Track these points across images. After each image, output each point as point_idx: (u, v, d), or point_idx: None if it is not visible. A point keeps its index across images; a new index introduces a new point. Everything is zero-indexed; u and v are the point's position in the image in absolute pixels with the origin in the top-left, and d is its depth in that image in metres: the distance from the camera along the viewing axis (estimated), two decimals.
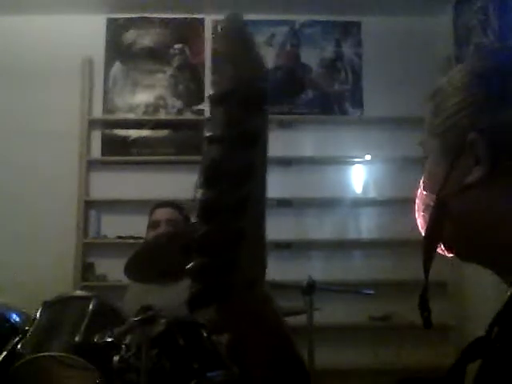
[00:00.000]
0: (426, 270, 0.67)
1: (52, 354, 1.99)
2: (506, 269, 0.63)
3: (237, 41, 0.52)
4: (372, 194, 3.79)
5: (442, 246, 0.68)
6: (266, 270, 0.55)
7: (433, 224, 0.67)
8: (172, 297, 2.11)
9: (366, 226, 3.76)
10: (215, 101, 0.51)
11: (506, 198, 0.61)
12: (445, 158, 0.66)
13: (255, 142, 0.50)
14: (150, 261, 2.02)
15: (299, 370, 0.65)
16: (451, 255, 0.69)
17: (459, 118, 0.64)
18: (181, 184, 3.52)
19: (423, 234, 0.68)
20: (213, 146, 0.50)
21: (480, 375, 0.56)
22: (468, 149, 0.62)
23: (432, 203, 0.67)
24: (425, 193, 0.69)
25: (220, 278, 0.50)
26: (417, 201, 0.71)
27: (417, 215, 0.70)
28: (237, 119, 0.50)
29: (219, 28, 0.52)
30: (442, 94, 0.68)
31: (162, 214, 2.51)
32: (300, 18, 3.95)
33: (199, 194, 0.49)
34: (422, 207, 0.69)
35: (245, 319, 0.57)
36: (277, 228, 3.46)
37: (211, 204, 0.49)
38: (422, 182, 0.70)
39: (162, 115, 3.87)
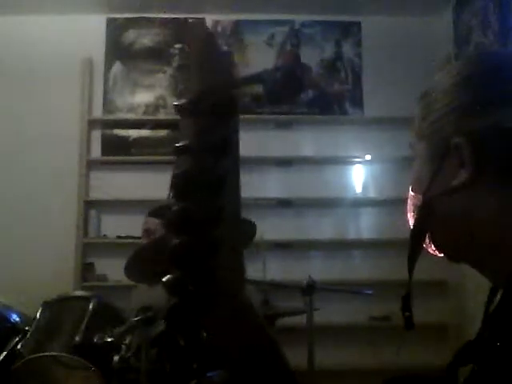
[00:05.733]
0: (410, 269, 0.68)
1: (52, 353, 1.99)
2: (492, 270, 0.64)
3: (202, 48, 0.51)
4: (372, 194, 3.80)
5: (433, 246, 0.69)
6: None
7: (418, 224, 0.68)
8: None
9: (366, 226, 3.76)
10: (183, 110, 0.50)
11: (490, 201, 0.62)
12: (431, 161, 0.67)
13: (225, 150, 0.49)
14: (149, 261, 2.02)
15: (284, 371, 0.66)
16: (441, 255, 0.69)
17: (445, 122, 0.65)
18: None
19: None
20: (183, 157, 0.49)
21: (470, 380, 0.56)
22: (453, 152, 0.63)
23: (419, 204, 0.68)
24: (413, 194, 0.70)
25: (197, 290, 0.49)
26: (408, 201, 0.71)
27: (408, 215, 0.71)
28: (205, 128, 0.49)
29: (187, 36, 0.51)
30: (429, 97, 0.69)
31: (146, 223, 2.51)
32: (300, 17, 3.96)
33: (171, 204, 0.49)
34: (411, 208, 0.70)
35: (225, 326, 0.58)
36: (277, 228, 3.46)
37: (183, 215, 0.48)
38: (411, 183, 0.71)
39: (161, 115, 3.87)
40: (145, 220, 2.52)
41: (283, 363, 0.66)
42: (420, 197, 0.68)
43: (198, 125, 0.49)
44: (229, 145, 0.50)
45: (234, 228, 0.52)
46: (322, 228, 3.70)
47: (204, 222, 0.48)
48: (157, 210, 2.51)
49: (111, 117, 3.85)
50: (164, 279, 0.49)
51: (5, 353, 2.04)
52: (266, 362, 0.63)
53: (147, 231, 2.47)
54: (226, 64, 0.53)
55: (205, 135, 0.49)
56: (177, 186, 0.49)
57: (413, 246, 0.68)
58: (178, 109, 0.50)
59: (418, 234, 0.68)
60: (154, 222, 2.46)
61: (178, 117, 0.51)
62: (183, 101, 0.50)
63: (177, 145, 0.49)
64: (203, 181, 0.48)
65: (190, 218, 0.48)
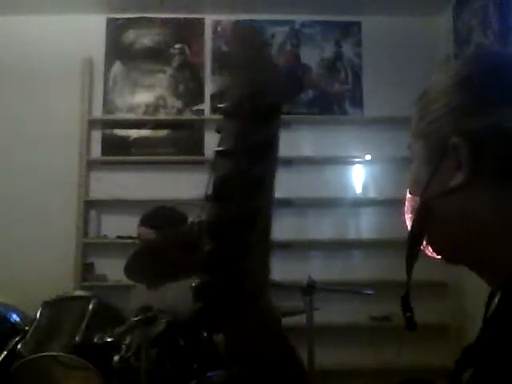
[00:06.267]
0: (409, 271, 0.68)
1: (52, 353, 1.99)
2: (490, 272, 0.63)
3: (249, 50, 0.51)
4: (372, 194, 3.80)
5: (430, 248, 0.68)
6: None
7: (415, 226, 0.67)
8: (173, 297, 2.11)
9: (366, 226, 3.76)
10: (226, 113, 0.50)
11: (488, 202, 0.61)
12: (428, 162, 0.66)
13: (266, 154, 0.49)
14: (149, 261, 2.02)
15: (298, 373, 0.66)
16: (439, 257, 0.69)
17: (443, 122, 0.65)
18: (181, 184, 3.52)
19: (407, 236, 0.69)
20: (223, 160, 0.48)
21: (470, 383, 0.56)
22: (451, 153, 0.63)
23: (416, 205, 0.67)
24: (410, 195, 0.70)
25: (225, 295, 0.49)
26: (406, 203, 0.71)
27: (406, 217, 0.71)
28: (248, 132, 0.48)
29: (231, 37, 0.51)
30: (427, 97, 0.69)
31: (140, 232, 2.46)
32: (300, 17, 3.96)
33: (208, 208, 0.48)
34: (409, 209, 0.70)
35: (246, 328, 0.58)
36: (277, 228, 3.44)
37: (220, 219, 0.48)
38: (408, 184, 0.71)
39: (161, 115, 3.87)
40: (138, 229, 2.46)
41: (299, 367, 0.66)
42: (417, 198, 0.67)
43: (240, 127, 0.49)
44: (269, 149, 0.50)
45: (265, 230, 0.52)
46: (322, 228, 3.70)
47: (239, 225, 0.48)
48: (147, 219, 2.46)
49: (111, 117, 3.85)
50: (193, 284, 0.49)
51: (5, 353, 2.04)
52: (282, 365, 0.63)
53: (142, 241, 2.41)
54: (271, 66, 0.52)
55: (246, 138, 0.48)
56: (215, 189, 0.48)
57: (410, 248, 0.67)
58: (222, 111, 0.50)
59: (415, 236, 0.67)
60: (146, 231, 2.40)
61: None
62: (227, 103, 0.50)
63: (217, 149, 0.49)
64: (241, 183, 0.48)
65: (225, 221, 0.48)
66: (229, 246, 0.48)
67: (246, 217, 0.48)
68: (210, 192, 0.49)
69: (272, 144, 0.50)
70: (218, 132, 0.50)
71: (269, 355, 0.62)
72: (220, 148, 0.49)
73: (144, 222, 2.44)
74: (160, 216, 2.43)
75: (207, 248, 0.48)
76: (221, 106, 0.50)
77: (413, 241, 0.67)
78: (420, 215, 0.66)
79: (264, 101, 0.49)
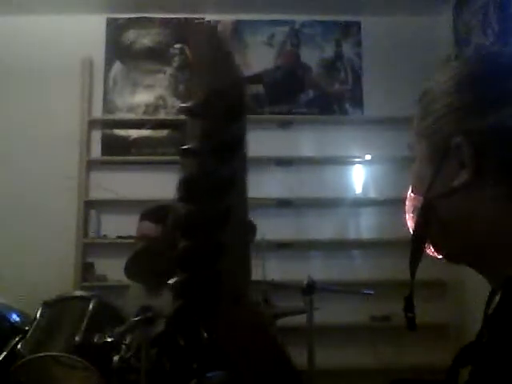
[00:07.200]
0: (412, 272, 0.67)
1: (52, 354, 1.98)
2: (491, 272, 0.63)
3: (209, 49, 0.50)
4: (372, 194, 3.80)
5: (432, 248, 0.68)
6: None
7: (419, 226, 0.67)
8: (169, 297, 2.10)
9: (366, 226, 3.76)
10: (190, 112, 0.49)
11: (491, 201, 0.61)
12: (431, 161, 0.66)
13: (233, 152, 0.49)
14: (149, 261, 2.02)
15: (289, 372, 0.66)
16: (440, 257, 0.69)
17: (445, 122, 0.65)
18: None
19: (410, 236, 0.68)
20: (190, 159, 0.48)
21: (470, 382, 0.56)
22: (453, 152, 0.63)
23: (419, 205, 0.67)
24: (413, 195, 0.70)
25: (202, 293, 0.49)
26: (407, 202, 0.71)
27: (407, 217, 0.70)
28: (213, 130, 0.48)
29: (191, 37, 0.51)
30: (429, 97, 0.69)
31: (141, 228, 2.34)
32: (300, 17, 3.96)
33: (178, 208, 0.48)
34: (411, 209, 0.70)
35: (229, 327, 0.57)
36: (277, 228, 3.46)
37: (191, 218, 0.48)
38: (410, 183, 0.71)
39: (161, 115, 3.87)
40: (139, 225, 2.37)
41: (288, 364, 0.66)
42: (420, 198, 0.67)
43: (206, 126, 0.48)
44: (236, 147, 0.49)
45: (240, 229, 0.51)
46: (322, 228, 3.70)
47: (210, 224, 0.48)
48: (149, 213, 2.40)
49: (111, 117, 3.85)
50: (170, 282, 0.49)
51: (5, 353, 2.04)
52: (270, 363, 0.63)
53: (144, 236, 2.31)
54: (233, 64, 0.51)
55: (212, 137, 0.48)
56: (183, 188, 0.48)
57: (414, 248, 0.67)
58: (186, 110, 0.49)
59: (419, 237, 0.67)
60: (149, 226, 2.34)
61: (183, 118, 0.50)
62: (191, 102, 0.49)
63: (183, 147, 0.48)
64: (210, 183, 0.48)
65: (196, 221, 0.48)
66: (200, 245, 0.48)
67: (215, 217, 0.48)
68: (178, 192, 0.48)
69: (238, 144, 0.50)
70: (184, 132, 0.49)
71: (257, 354, 0.61)
72: (185, 146, 0.48)
73: (146, 217, 2.34)
74: (164, 210, 2.37)
75: (180, 245, 0.48)
76: (185, 105, 0.49)
77: (416, 242, 0.67)
78: (423, 215, 0.66)
79: (227, 101, 0.49)
